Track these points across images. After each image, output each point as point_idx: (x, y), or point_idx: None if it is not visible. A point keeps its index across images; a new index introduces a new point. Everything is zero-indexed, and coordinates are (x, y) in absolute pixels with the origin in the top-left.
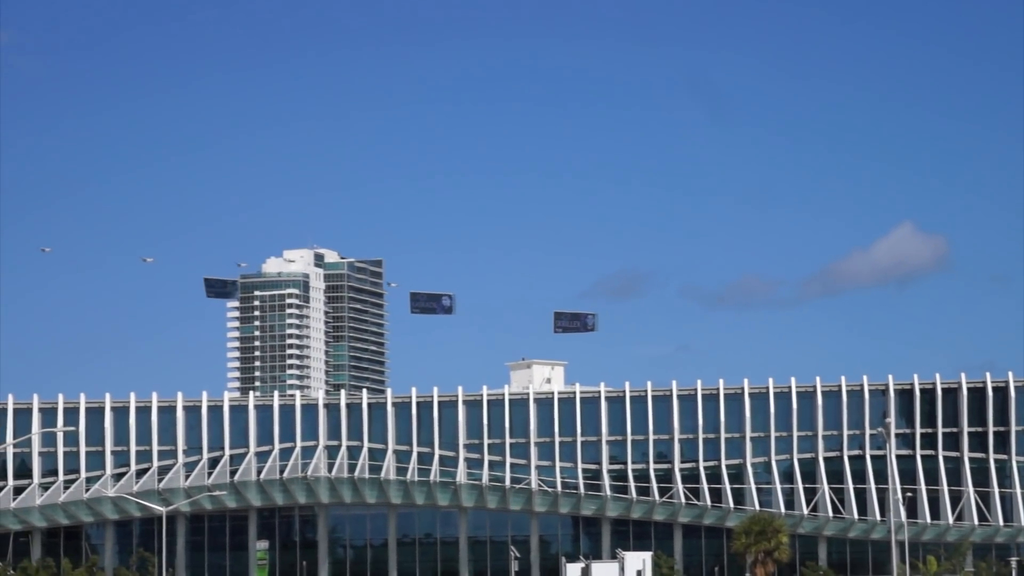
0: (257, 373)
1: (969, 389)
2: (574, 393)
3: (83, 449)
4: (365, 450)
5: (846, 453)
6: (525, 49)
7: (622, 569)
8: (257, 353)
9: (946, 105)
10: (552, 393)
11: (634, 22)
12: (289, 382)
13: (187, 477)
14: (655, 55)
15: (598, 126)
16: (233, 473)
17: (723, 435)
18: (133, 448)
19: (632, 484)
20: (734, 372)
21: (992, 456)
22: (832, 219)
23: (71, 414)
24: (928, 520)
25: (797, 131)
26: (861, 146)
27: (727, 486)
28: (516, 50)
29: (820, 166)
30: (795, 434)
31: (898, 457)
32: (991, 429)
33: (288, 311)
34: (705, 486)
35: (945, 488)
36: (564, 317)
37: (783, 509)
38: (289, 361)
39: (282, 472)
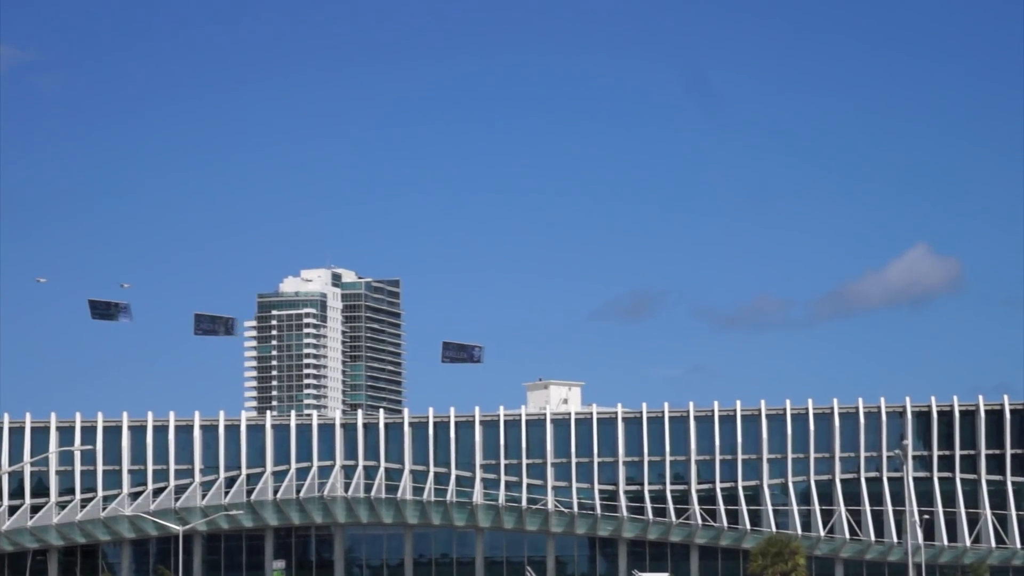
0: (274, 392)
1: (987, 411)
2: (591, 414)
3: (100, 468)
4: (382, 470)
5: (863, 475)
6: (541, 67)
7: None
8: (274, 372)
9: (963, 127)
10: (569, 414)
11: (645, 37)
12: (306, 402)
13: (204, 496)
14: (668, 74)
15: (609, 146)
16: (250, 492)
17: (740, 456)
18: (150, 467)
19: (649, 505)
20: (747, 393)
21: (1010, 478)
22: (846, 240)
23: (88, 433)
24: (945, 542)
25: (811, 151)
26: (876, 167)
27: (744, 507)
28: (532, 68)
29: (834, 187)
30: (812, 456)
31: (915, 479)
32: (1009, 451)
33: (305, 330)
34: (722, 507)
35: (962, 510)
36: (451, 348)
37: (800, 531)
38: (306, 381)
39: (299, 492)
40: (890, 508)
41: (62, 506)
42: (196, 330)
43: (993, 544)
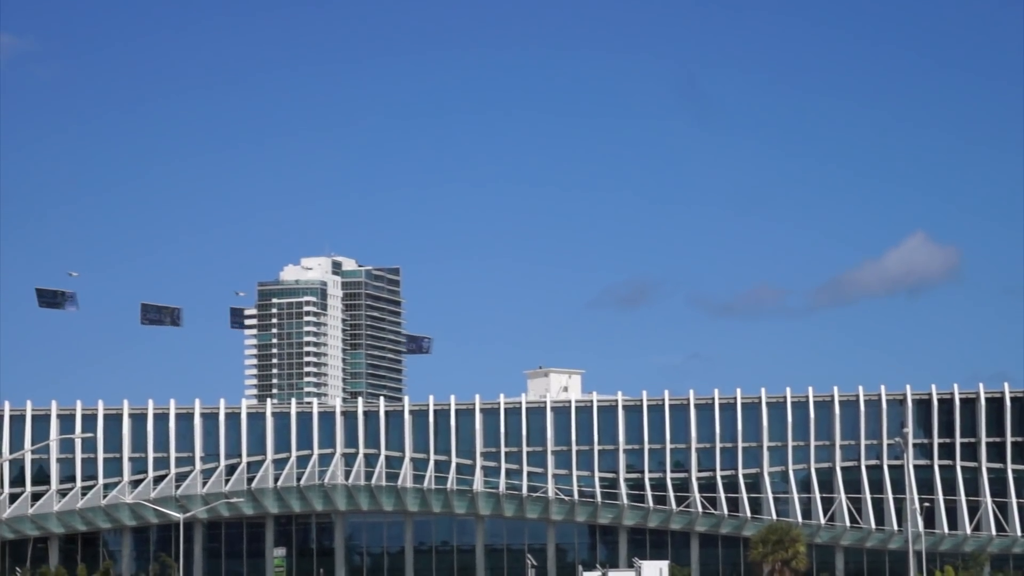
0: (275, 380)
1: (987, 399)
2: (591, 402)
3: (101, 455)
4: (382, 458)
5: (863, 463)
6: (541, 59)
7: None
8: (275, 360)
9: (962, 116)
10: (569, 401)
11: (641, 31)
12: (306, 389)
13: (204, 484)
14: (666, 67)
15: (606, 136)
16: (250, 480)
17: (740, 444)
18: (151, 455)
19: (649, 493)
20: (745, 381)
21: (1010, 466)
22: (844, 229)
23: (89, 420)
24: (946, 530)
25: (809, 140)
26: (874, 156)
27: (744, 495)
28: (533, 60)
29: (832, 175)
30: (812, 443)
31: (916, 467)
32: (1009, 439)
33: (306, 319)
34: (722, 495)
35: (963, 498)
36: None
37: (800, 518)
38: (307, 368)
39: (299, 479)
40: (891, 496)
41: (63, 494)
42: (143, 320)
43: (994, 532)
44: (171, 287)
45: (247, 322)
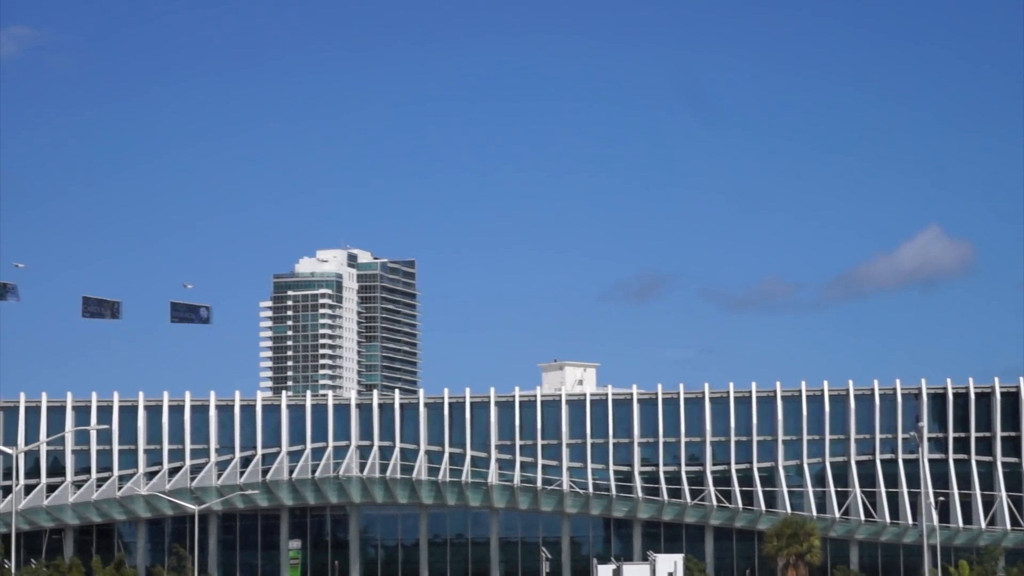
0: (290, 373)
1: (1002, 393)
2: (606, 395)
3: (116, 447)
4: (397, 450)
5: (878, 457)
6: (556, 53)
7: (653, 571)
8: (290, 353)
9: (977, 110)
10: (584, 395)
11: (655, 24)
12: (321, 382)
13: (219, 476)
14: (680, 59)
15: (620, 129)
16: (265, 472)
17: (755, 438)
18: (166, 447)
19: (664, 486)
20: (757, 375)
21: None
22: (857, 223)
23: (104, 412)
24: (960, 524)
25: (822, 134)
26: (888, 149)
27: (759, 489)
28: (549, 54)
29: (846, 169)
30: (827, 437)
31: (931, 461)
32: None
33: (321, 311)
34: (737, 489)
35: (978, 492)
36: None
37: (815, 512)
38: (322, 361)
39: (314, 472)
40: (905, 490)
41: (78, 485)
42: (84, 312)
43: (1008, 526)
44: (187, 279)
45: (262, 314)
